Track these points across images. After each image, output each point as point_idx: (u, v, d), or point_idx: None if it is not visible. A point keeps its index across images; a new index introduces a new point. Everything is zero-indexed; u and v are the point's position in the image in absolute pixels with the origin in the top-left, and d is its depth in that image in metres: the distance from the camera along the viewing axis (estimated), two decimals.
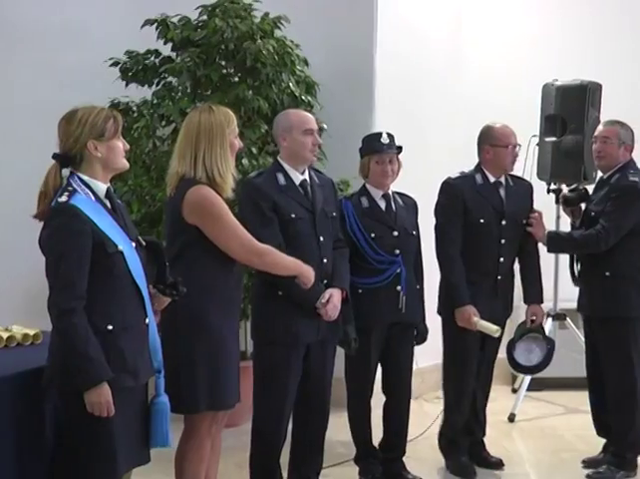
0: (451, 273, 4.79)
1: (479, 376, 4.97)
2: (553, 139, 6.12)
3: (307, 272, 3.88)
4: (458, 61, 6.59)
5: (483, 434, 5.11)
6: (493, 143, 4.85)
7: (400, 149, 4.61)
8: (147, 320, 3.27)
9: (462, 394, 4.93)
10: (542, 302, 5.05)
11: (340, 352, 4.48)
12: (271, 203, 4.11)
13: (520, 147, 4.93)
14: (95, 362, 3.03)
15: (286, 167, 4.24)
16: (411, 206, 4.76)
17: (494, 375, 6.62)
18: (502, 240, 4.80)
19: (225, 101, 5.40)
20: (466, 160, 6.50)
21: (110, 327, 3.12)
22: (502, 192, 4.86)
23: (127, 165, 3.29)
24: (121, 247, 3.15)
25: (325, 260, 4.18)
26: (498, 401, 6.34)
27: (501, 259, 4.81)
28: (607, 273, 4.79)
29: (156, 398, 3.35)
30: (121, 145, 3.23)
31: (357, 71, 6.22)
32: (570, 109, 6.04)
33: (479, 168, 4.91)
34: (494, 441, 5.41)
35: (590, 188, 5.20)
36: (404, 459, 4.84)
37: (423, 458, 5.13)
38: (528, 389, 6.12)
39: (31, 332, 3.84)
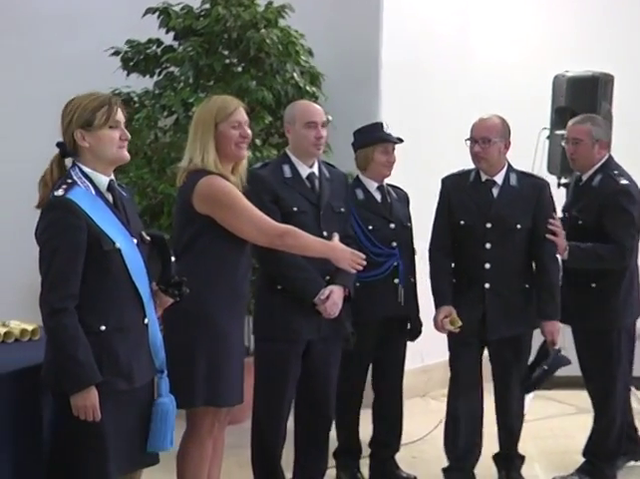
0: (431, 274, 4.55)
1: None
2: (564, 131, 5.96)
3: (339, 252, 3.69)
4: (466, 52, 6.45)
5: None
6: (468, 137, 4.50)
7: (400, 140, 4.50)
8: (146, 320, 3.13)
9: (453, 397, 4.66)
10: (556, 319, 4.48)
11: None
12: (273, 195, 4.00)
13: (484, 141, 4.38)
14: (83, 365, 2.91)
15: (293, 159, 4.14)
16: (403, 197, 4.66)
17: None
18: (488, 245, 4.38)
19: (228, 91, 5.28)
20: None
21: (103, 328, 2.99)
22: (495, 192, 4.44)
23: (122, 156, 3.10)
24: (118, 245, 3.01)
25: None
26: None
27: (487, 266, 4.39)
28: (593, 285, 4.58)
29: (157, 399, 3.22)
30: (114, 134, 3.05)
31: (362, 61, 6.10)
32: (581, 101, 5.85)
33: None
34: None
35: None
36: (411, 458, 4.79)
37: (430, 458, 5.00)
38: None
39: (29, 328, 3.71)
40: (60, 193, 2.96)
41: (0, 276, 5.91)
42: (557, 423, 5.82)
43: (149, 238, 3.21)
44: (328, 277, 4.05)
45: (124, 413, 3.07)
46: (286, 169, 4.10)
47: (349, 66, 6.08)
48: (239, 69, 5.59)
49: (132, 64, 5.65)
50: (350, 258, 3.68)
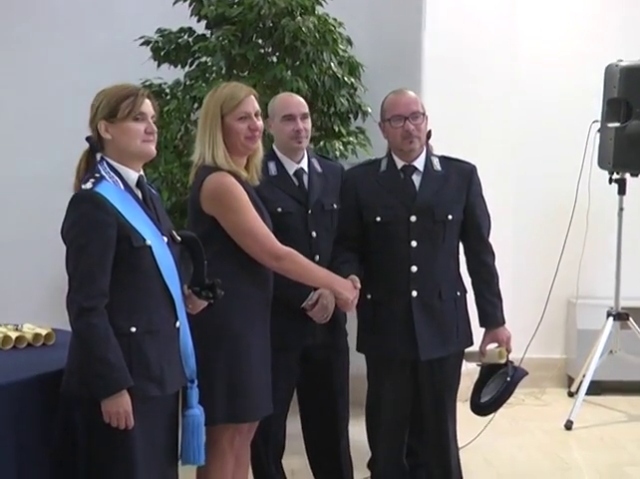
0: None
1: None
2: (616, 124, 5.70)
3: (344, 286, 3.55)
4: (513, 41, 6.18)
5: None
6: (385, 117, 3.82)
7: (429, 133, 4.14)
8: (177, 324, 2.97)
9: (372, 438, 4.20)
10: (504, 323, 3.90)
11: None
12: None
13: None
14: (114, 368, 2.74)
15: (279, 155, 3.90)
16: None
17: (549, 377, 6.35)
18: (413, 243, 3.73)
19: (263, 82, 5.09)
20: (520, 147, 6.17)
21: (133, 329, 2.83)
22: (417, 179, 3.79)
23: (146, 150, 2.95)
24: (149, 242, 2.86)
25: (317, 258, 3.78)
26: (554, 406, 6.04)
27: (414, 269, 3.73)
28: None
29: (187, 410, 3.06)
30: (138, 127, 2.90)
31: (404, 52, 5.84)
32: (636, 92, 5.62)
33: (388, 151, 3.90)
34: (550, 450, 5.04)
35: None
36: None
37: (473, 468, 4.74)
38: (587, 393, 5.70)
39: (43, 332, 3.55)
40: (88, 186, 2.83)
41: (17, 278, 5.80)
42: (607, 432, 5.51)
43: (179, 238, 3.05)
44: None
45: (153, 423, 2.91)
46: (272, 166, 3.84)
47: (390, 56, 5.84)
48: (274, 58, 5.35)
49: (162, 54, 5.42)
50: (353, 300, 3.57)
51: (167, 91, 5.42)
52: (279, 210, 3.76)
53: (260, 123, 3.42)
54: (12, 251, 5.85)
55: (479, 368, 3.95)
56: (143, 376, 2.84)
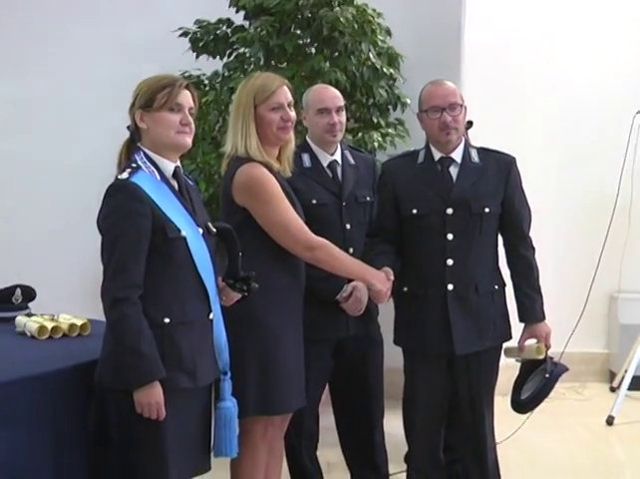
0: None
1: None
2: None
3: (377, 278, 3.51)
4: (554, 33, 6.09)
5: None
6: (422, 108, 3.71)
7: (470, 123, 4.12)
8: (210, 316, 2.96)
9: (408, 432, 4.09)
10: (545, 318, 3.81)
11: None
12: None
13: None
14: (146, 359, 2.74)
15: (313, 146, 3.86)
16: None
17: (591, 372, 6.28)
18: (449, 236, 3.63)
19: (301, 73, 5.06)
20: (561, 139, 6.09)
21: (166, 320, 2.82)
22: (454, 171, 3.69)
23: (180, 141, 2.93)
24: (184, 233, 2.85)
25: (351, 250, 3.74)
26: (595, 401, 5.97)
27: (450, 262, 3.64)
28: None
29: (220, 403, 3.05)
30: (173, 117, 2.90)
31: (444, 43, 5.82)
32: None
33: (426, 142, 3.81)
34: (590, 446, 4.98)
35: None
36: None
37: (512, 463, 4.69)
38: (629, 388, 5.63)
39: (79, 322, 3.52)
40: (124, 176, 2.83)
41: (53, 267, 5.84)
42: None
43: (215, 229, 3.04)
44: None
45: (185, 414, 2.90)
46: (305, 158, 3.81)
47: (429, 47, 5.80)
48: (312, 49, 5.32)
49: (201, 45, 5.42)
50: (385, 291, 3.52)
51: (206, 82, 5.42)
52: (314, 201, 3.73)
53: (293, 113, 3.39)
54: (49, 242, 5.90)
55: (518, 363, 3.90)
56: (175, 367, 2.83)
